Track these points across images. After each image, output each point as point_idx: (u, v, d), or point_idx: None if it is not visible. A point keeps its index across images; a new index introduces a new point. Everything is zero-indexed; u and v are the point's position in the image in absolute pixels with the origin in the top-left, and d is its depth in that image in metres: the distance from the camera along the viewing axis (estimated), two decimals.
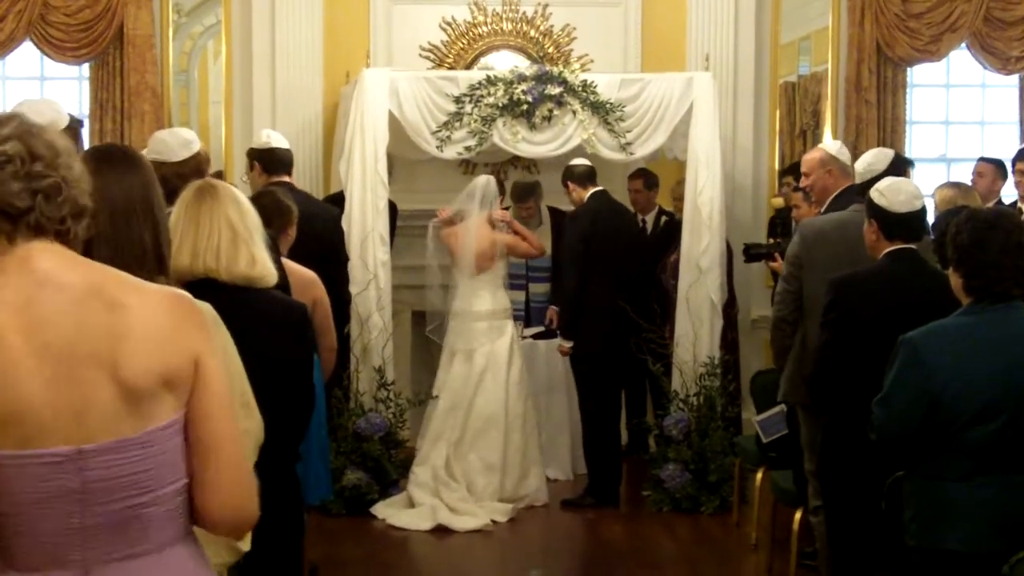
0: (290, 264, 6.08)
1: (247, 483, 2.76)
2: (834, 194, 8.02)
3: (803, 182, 8.52)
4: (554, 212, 10.58)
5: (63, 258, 2.64)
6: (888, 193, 5.97)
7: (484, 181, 9.61)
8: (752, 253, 9.26)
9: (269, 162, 8.17)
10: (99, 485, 2.58)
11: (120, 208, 3.43)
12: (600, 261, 9.41)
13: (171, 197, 4.67)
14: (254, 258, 4.67)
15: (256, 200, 5.69)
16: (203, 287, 4.50)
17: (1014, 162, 9.61)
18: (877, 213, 5.99)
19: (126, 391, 2.58)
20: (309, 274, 6.35)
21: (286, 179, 8.05)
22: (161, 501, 2.65)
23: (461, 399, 9.42)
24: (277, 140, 8.20)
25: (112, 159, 3.62)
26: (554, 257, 10.40)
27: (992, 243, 4.67)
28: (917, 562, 4.82)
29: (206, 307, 2.85)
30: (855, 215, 6.52)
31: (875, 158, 7.20)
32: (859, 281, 6.01)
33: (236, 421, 2.77)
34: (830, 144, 8.63)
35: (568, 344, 9.53)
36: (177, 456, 2.67)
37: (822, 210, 7.72)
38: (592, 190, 9.56)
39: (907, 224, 5.98)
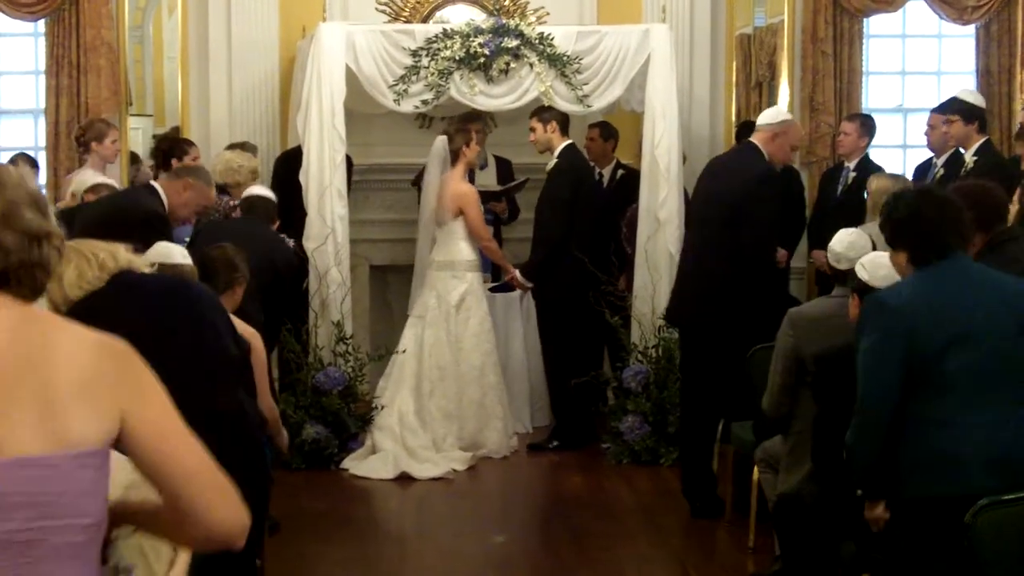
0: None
1: (224, 497, 2.63)
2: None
3: None
4: (500, 162, 10.54)
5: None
6: (869, 268, 5.92)
7: (440, 143, 9.72)
8: None
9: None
10: None
11: None
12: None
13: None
14: (118, 246, 4.64)
15: (206, 254, 6.20)
16: (124, 280, 4.58)
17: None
18: (859, 288, 5.95)
19: (42, 413, 2.46)
20: (249, 330, 6.22)
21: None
22: (62, 533, 2.47)
23: (419, 347, 9.54)
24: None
25: None
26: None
27: (926, 208, 4.97)
28: (916, 514, 4.90)
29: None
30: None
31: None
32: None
33: (190, 445, 2.61)
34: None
35: (529, 284, 9.78)
36: (89, 490, 2.51)
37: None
38: (567, 141, 9.68)
39: None
